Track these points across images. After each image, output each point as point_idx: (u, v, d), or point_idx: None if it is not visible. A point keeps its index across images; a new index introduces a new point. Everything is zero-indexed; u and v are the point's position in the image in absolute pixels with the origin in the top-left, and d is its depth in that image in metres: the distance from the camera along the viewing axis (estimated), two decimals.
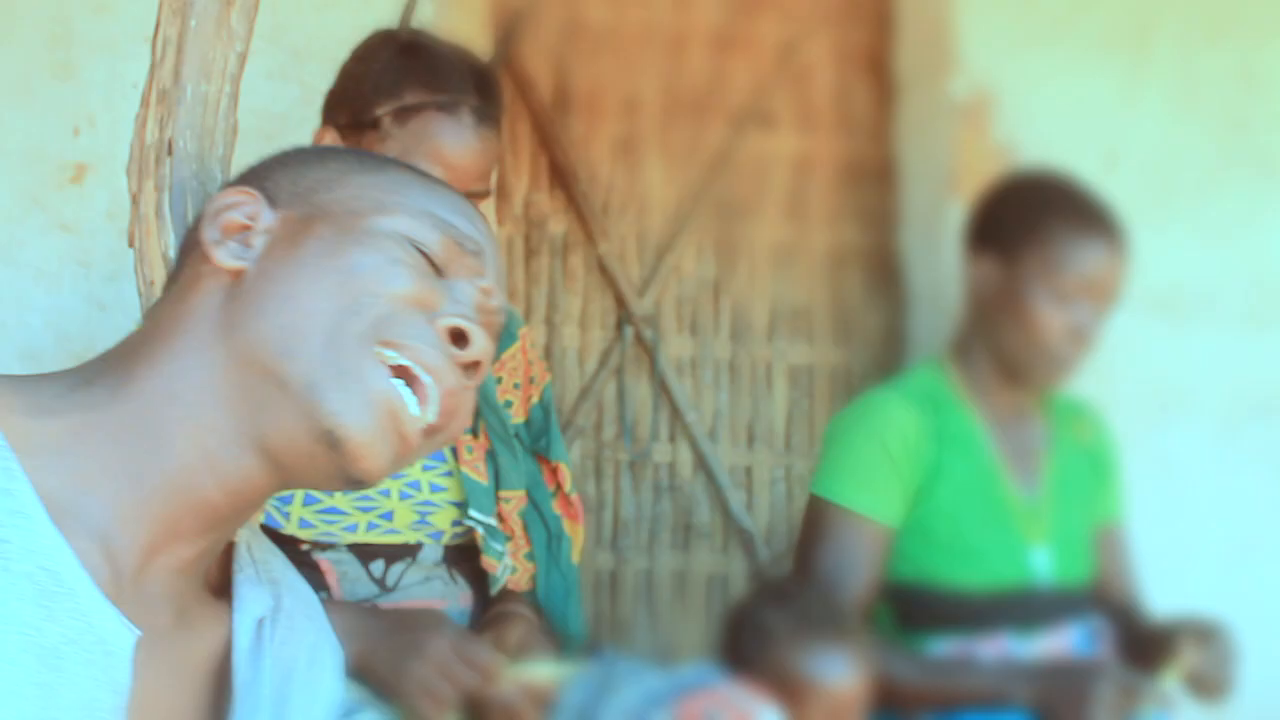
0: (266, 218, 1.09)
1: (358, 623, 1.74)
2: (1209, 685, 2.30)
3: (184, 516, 1.04)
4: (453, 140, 1.82)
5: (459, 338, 1.07)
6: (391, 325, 1.04)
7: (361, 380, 1.03)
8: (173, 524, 1.04)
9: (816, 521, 2.31)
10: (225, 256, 1.07)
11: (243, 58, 1.31)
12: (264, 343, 1.03)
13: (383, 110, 1.82)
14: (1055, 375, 2.32)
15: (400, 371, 1.04)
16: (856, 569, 2.26)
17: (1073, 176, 2.40)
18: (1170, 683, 2.25)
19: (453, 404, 1.07)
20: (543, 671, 1.75)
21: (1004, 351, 2.34)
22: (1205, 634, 2.31)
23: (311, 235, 1.07)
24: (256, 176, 1.13)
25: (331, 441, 1.02)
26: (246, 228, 1.09)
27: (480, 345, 1.08)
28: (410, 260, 1.07)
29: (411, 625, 1.74)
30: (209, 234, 1.08)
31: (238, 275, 1.06)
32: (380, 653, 1.71)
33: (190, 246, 1.12)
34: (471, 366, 1.09)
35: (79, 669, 0.95)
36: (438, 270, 1.09)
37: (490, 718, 1.75)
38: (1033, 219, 2.33)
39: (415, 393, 1.05)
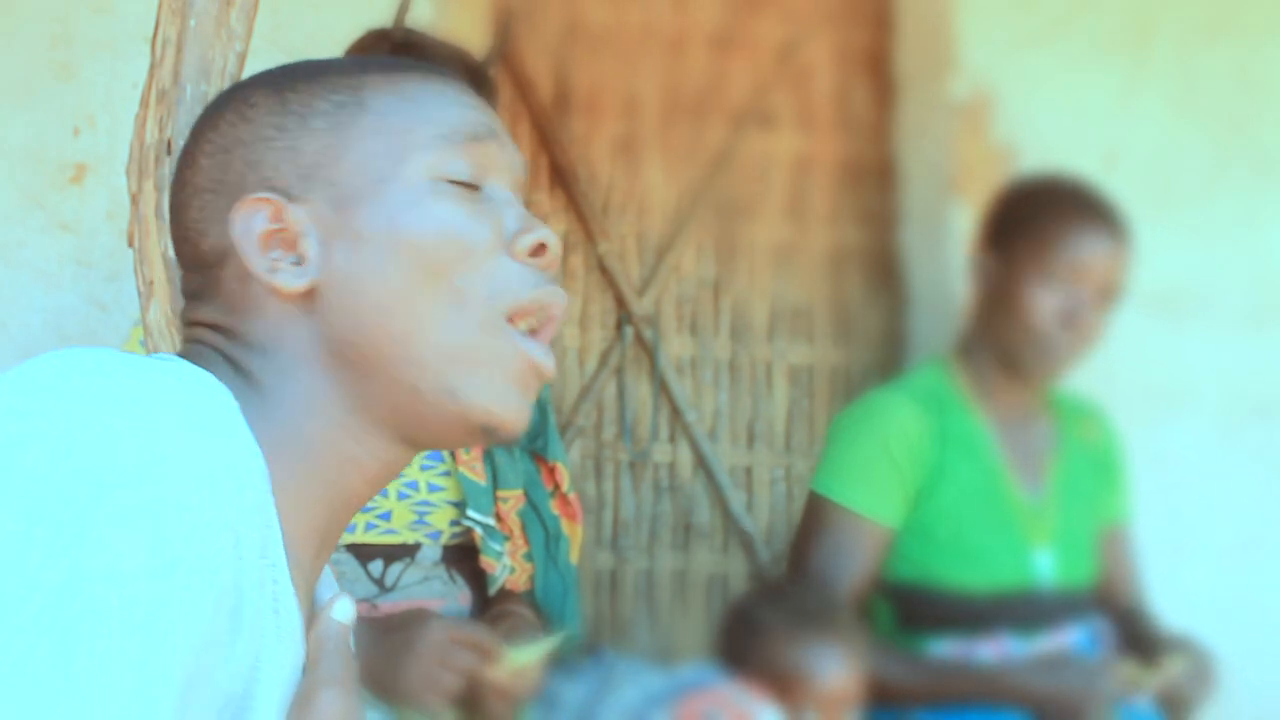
0: (296, 217, 1.00)
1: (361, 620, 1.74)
2: (1178, 702, 2.30)
3: (340, 522, 1.02)
4: None
5: (538, 249, 1.02)
6: (500, 293, 1.00)
7: (500, 365, 0.99)
8: (332, 534, 1.01)
9: (814, 518, 2.31)
10: (289, 280, 0.99)
11: (242, 57, 1.31)
12: (384, 360, 0.98)
13: None
14: (1050, 363, 2.30)
15: (529, 332, 1.01)
16: (850, 566, 2.26)
17: (1077, 177, 2.41)
18: (1146, 688, 2.25)
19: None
20: (525, 653, 1.75)
21: (1000, 343, 2.34)
22: (1190, 653, 2.32)
23: (359, 225, 0.99)
24: (247, 169, 1.01)
25: (487, 430, 1.00)
26: (282, 238, 1.00)
27: (553, 241, 1.03)
28: (460, 201, 1.00)
29: (399, 626, 1.74)
30: (259, 264, 0.99)
31: (309, 293, 0.99)
32: (374, 658, 1.71)
33: (229, 280, 1.02)
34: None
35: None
36: (477, 186, 1.03)
37: (484, 704, 1.75)
38: (1028, 210, 2.35)
39: (538, 337, 1.02)
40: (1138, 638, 2.40)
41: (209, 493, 0.84)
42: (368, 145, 1.01)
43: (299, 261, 0.99)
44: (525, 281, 1.01)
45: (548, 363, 1.01)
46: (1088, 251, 2.29)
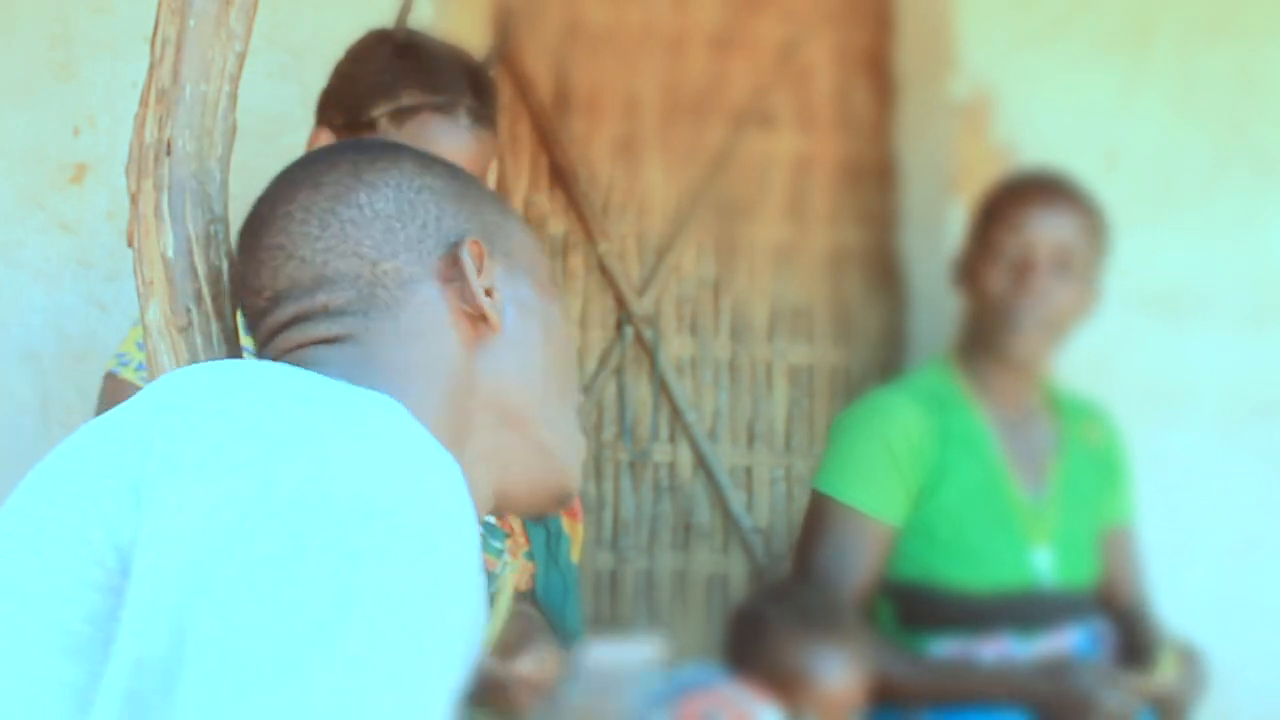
0: (492, 266, 1.11)
1: None
2: (1172, 705, 2.30)
3: None
4: (450, 141, 1.82)
5: None
6: (575, 388, 1.17)
7: (579, 444, 1.16)
8: None
9: (817, 517, 2.31)
10: (492, 309, 1.10)
11: (242, 57, 1.31)
12: (523, 403, 1.11)
13: (379, 111, 1.82)
14: (1016, 334, 2.31)
15: None
16: (854, 565, 2.26)
17: (1058, 171, 2.44)
18: (1143, 693, 2.26)
19: None
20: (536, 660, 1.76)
21: (977, 330, 2.36)
22: (1182, 654, 2.32)
23: (524, 297, 1.12)
24: (440, 212, 1.12)
25: (561, 498, 1.15)
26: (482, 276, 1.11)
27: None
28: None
29: None
30: (480, 297, 1.09)
31: (483, 323, 1.10)
32: None
33: (413, 305, 1.10)
34: None
35: None
36: None
37: (509, 697, 1.76)
38: (984, 201, 2.42)
39: None
40: (1136, 640, 2.40)
41: (461, 522, 0.89)
42: (518, 234, 1.15)
43: (491, 299, 1.10)
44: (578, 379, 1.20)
45: (582, 448, 1.18)
46: (1030, 219, 2.32)
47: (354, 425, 0.91)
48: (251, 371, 1.00)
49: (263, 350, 1.14)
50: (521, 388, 1.11)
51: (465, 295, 1.09)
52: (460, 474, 0.92)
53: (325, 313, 1.09)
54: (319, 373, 1.03)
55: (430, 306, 1.09)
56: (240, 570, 0.83)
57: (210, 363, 1.03)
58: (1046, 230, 2.31)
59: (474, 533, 0.90)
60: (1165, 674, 2.26)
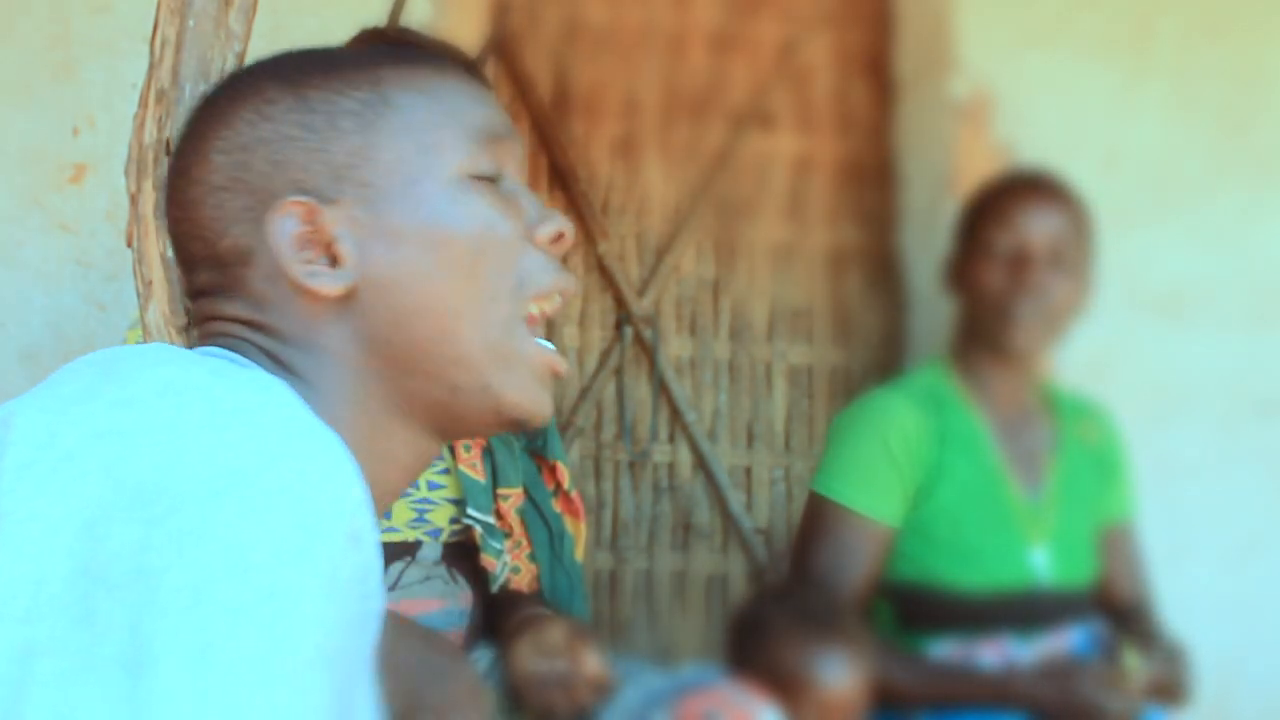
0: (331, 219, 1.00)
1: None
2: (1164, 691, 2.31)
3: (376, 515, 1.00)
4: None
5: (557, 237, 1.06)
6: (523, 283, 1.03)
7: (526, 363, 1.03)
8: None
9: (816, 519, 2.32)
10: (328, 284, 0.99)
11: (241, 57, 1.31)
12: (424, 357, 1.01)
13: None
14: (1016, 330, 2.32)
15: (540, 316, 1.06)
16: (853, 567, 2.26)
17: (1042, 169, 2.46)
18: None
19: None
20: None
21: (974, 329, 2.37)
22: (1170, 653, 2.33)
23: (395, 225, 1.00)
24: (272, 169, 1.01)
25: (515, 422, 1.04)
26: (316, 240, 1.00)
27: (570, 228, 1.07)
28: (486, 197, 1.03)
29: (434, 662, 1.71)
30: (296, 270, 0.99)
31: (346, 294, 1.00)
32: (413, 688, 1.69)
33: (256, 280, 1.01)
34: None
35: None
36: (498, 180, 1.05)
37: (530, 703, 1.76)
38: (970, 203, 2.44)
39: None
40: (1132, 636, 2.41)
41: (326, 486, 0.84)
42: (398, 145, 1.02)
43: (334, 263, 1.00)
44: (546, 269, 1.04)
45: (561, 362, 1.06)
46: (1021, 217, 2.34)
47: (208, 410, 0.85)
48: (127, 362, 0.92)
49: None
50: (416, 325, 1.00)
51: (287, 266, 0.99)
52: (334, 446, 0.86)
53: (197, 294, 1.05)
54: (222, 353, 0.99)
55: (271, 278, 1.00)
56: (92, 578, 0.79)
57: (94, 354, 0.95)
58: (1038, 226, 2.34)
59: (349, 506, 0.84)
60: (1131, 670, 2.26)
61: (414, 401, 1.01)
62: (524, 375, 1.03)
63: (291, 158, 1.00)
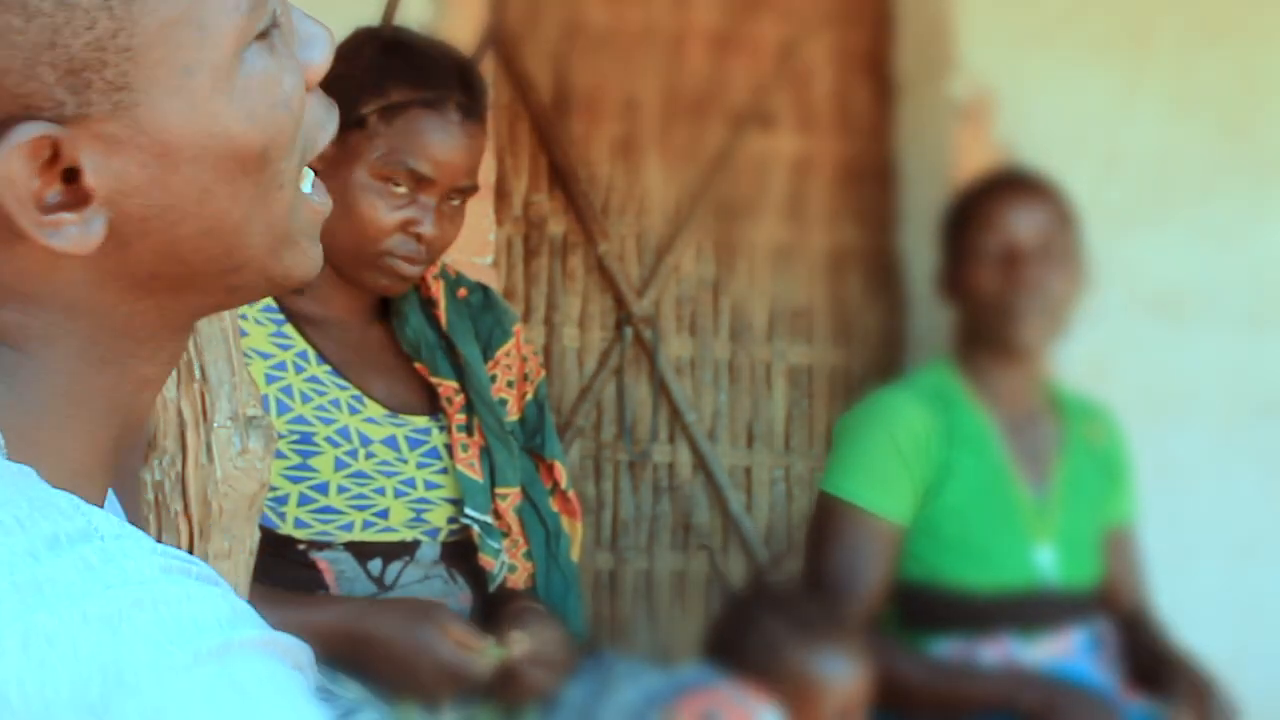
0: (72, 144, 0.72)
1: (357, 615, 1.75)
2: None
3: (131, 434, 0.83)
4: (440, 137, 1.82)
5: (321, 66, 0.83)
6: (306, 149, 0.81)
7: (304, 232, 0.81)
8: (122, 446, 0.83)
9: (827, 519, 2.31)
10: (79, 238, 0.73)
11: None
12: (198, 276, 0.78)
13: (368, 109, 1.82)
14: (1015, 324, 2.34)
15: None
16: (868, 566, 2.26)
17: (1020, 168, 2.47)
18: None
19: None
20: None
21: (974, 329, 2.38)
22: (1202, 692, 2.32)
23: (162, 135, 0.73)
24: (24, 90, 0.70)
25: (288, 288, 0.84)
26: (51, 172, 0.72)
27: (328, 42, 0.84)
28: (272, 65, 0.77)
29: (413, 619, 1.74)
30: (35, 231, 0.72)
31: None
32: (381, 645, 1.71)
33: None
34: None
35: None
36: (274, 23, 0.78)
37: (503, 688, 1.77)
38: (956, 206, 2.46)
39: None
40: (1143, 648, 2.40)
41: None
42: (160, 17, 0.72)
43: (78, 201, 0.72)
44: (324, 120, 0.83)
45: (325, 203, 0.84)
46: (1006, 216, 2.36)
47: None
48: None
49: None
50: (191, 248, 0.76)
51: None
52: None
53: None
54: None
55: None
56: None
57: None
58: (1025, 223, 2.36)
59: None
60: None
61: (177, 318, 0.79)
62: (302, 244, 0.81)
63: (11, 64, 0.70)
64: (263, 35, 0.76)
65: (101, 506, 0.78)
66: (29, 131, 0.70)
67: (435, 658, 1.71)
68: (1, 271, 0.73)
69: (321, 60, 0.82)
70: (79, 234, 0.72)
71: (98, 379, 0.77)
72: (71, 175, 0.71)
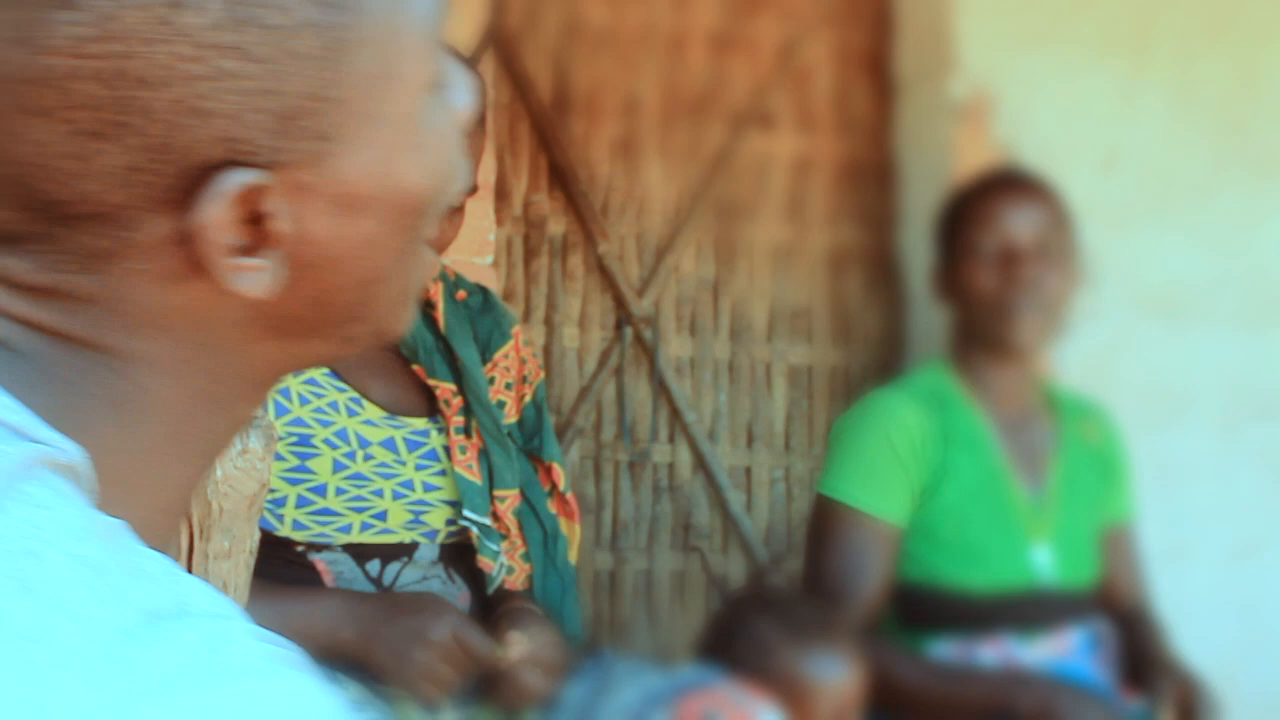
0: (273, 196, 0.70)
1: (355, 608, 1.75)
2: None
3: (206, 473, 0.82)
4: None
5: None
6: (444, 204, 0.79)
7: (418, 290, 0.80)
8: (197, 486, 0.81)
9: (825, 522, 2.31)
10: (257, 283, 0.72)
11: None
12: (328, 323, 0.77)
13: None
14: (1014, 325, 2.34)
15: None
16: (867, 569, 2.26)
17: (1014, 168, 2.48)
18: None
19: None
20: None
21: (971, 327, 2.38)
22: (1187, 693, 2.32)
23: (344, 188, 0.73)
24: (189, 116, 0.67)
25: (387, 340, 0.81)
26: (242, 218, 0.70)
27: (470, 92, 0.82)
28: (443, 118, 0.77)
29: (410, 610, 1.75)
30: (224, 272, 0.70)
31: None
32: (380, 638, 1.72)
33: (95, 240, 0.70)
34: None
35: None
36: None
37: (501, 691, 1.77)
38: (950, 206, 2.46)
39: None
40: (1140, 650, 2.40)
41: None
42: (368, 69, 0.71)
43: (258, 244, 0.70)
44: (463, 173, 0.80)
45: (436, 263, 0.86)
46: (1003, 215, 2.36)
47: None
48: None
49: None
50: (336, 296, 0.74)
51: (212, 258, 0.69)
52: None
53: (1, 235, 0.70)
54: None
55: (125, 246, 0.69)
56: None
57: None
58: (1022, 223, 2.36)
59: None
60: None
61: (285, 364, 0.77)
62: (412, 301, 0.80)
63: (219, 101, 0.67)
64: (434, 85, 0.75)
65: (172, 546, 0.77)
66: (240, 179, 0.68)
67: (433, 643, 1.71)
68: (161, 303, 0.71)
69: (466, 104, 0.80)
70: (261, 279, 0.70)
71: (205, 419, 0.74)
72: (258, 217, 0.70)
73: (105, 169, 0.67)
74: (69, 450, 0.66)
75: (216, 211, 0.68)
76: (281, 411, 1.81)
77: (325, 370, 1.86)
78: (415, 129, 0.73)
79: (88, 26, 0.65)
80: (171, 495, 0.75)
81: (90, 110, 0.66)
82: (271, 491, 1.76)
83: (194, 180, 0.68)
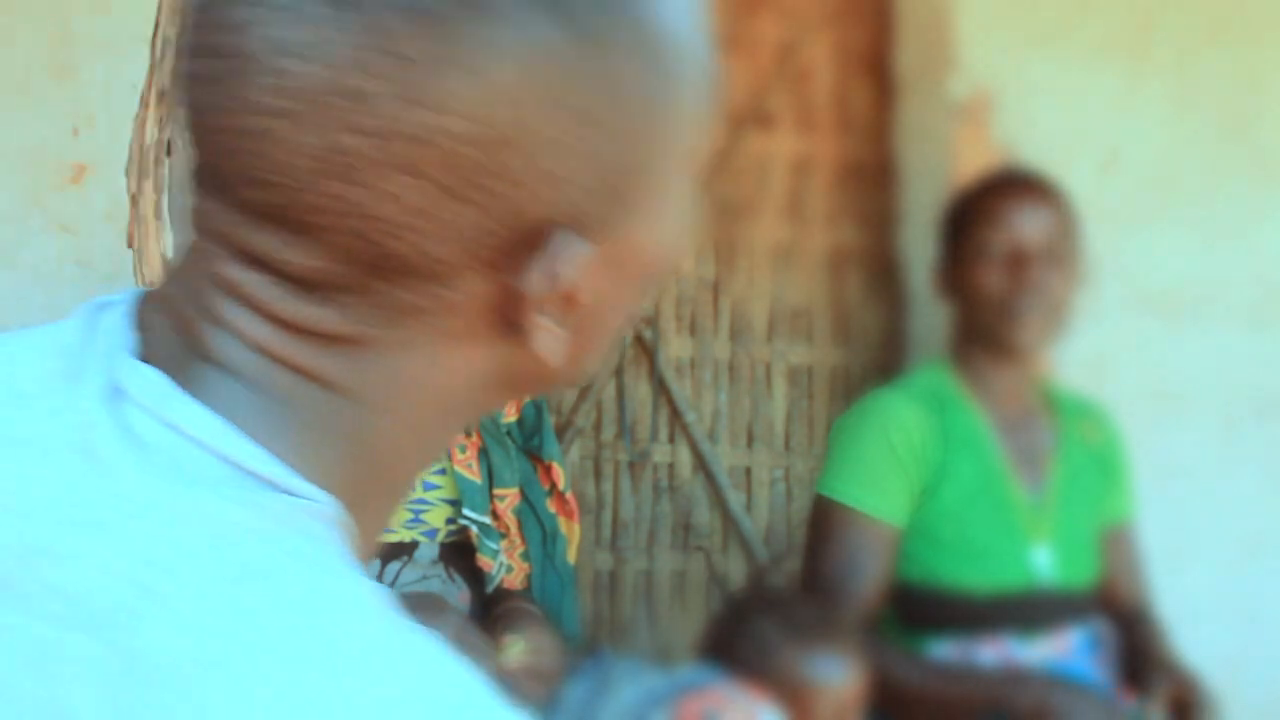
0: (585, 264, 0.70)
1: None
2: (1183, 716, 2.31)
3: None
4: None
5: None
6: None
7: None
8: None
9: (824, 522, 2.31)
10: (556, 348, 0.72)
11: None
12: (549, 375, 0.76)
13: None
14: (1019, 327, 2.34)
15: None
16: (866, 569, 2.26)
17: (1025, 168, 2.47)
18: None
19: None
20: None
21: (975, 328, 2.38)
22: (1183, 692, 2.32)
23: (625, 253, 0.73)
24: (527, 176, 0.66)
25: (564, 388, 0.82)
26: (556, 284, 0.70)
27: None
28: (695, 196, 0.78)
29: (411, 610, 1.75)
30: (540, 337, 0.70)
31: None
32: None
33: (406, 295, 0.69)
34: None
35: None
36: None
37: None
38: (957, 204, 2.45)
39: None
40: (1140, 650, 2.40)
41: None
42: (681, 144, 0.70)
43: (567, 308, 0.69)
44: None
45: None
46: (1014, 215, 2.35)
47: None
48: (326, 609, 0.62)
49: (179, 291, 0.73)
50: (577, 349, 0.72)
51: (522, 310, 0.69)
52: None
53: (307, 282, 0.67)
54: (259, 418, 0.67)
55: (433, 301, 0.68)
56: None
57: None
58: (1031, 224, 2.35)
59: None
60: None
61: (489, 405, 0.76)
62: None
63: (556, 163, 0.65)
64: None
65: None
66: (576, 248, 0.67)
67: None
68: (446, 359, 0.70)
69: None
70: (560, 342, 0.70)
71: (414, 455, 0.73)
72: (564, 294, 0.69)
73: (455, 230, 0.66)
74: (323, 501, 0.66)
75: (547, 276, 0.67)
76: None
77: None
78: (679, 204, 0.73)
79: (485, 91, 0.63)
80: (375, 530, 0.74)
81: (462, 173, 0.64)
82: None
83: (523, 243, 0.67)
